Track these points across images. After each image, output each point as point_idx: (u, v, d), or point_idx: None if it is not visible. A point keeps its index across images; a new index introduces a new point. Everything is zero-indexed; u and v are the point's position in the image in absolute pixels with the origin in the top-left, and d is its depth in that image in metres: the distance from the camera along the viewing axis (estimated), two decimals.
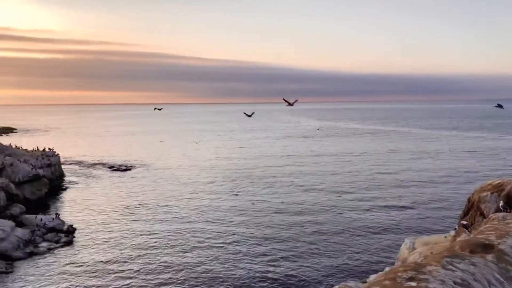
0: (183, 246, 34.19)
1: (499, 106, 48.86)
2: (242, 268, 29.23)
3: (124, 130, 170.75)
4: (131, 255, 32.39)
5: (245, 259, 30.94)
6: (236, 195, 51.75)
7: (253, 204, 47.15)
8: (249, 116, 47.16)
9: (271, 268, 29.24)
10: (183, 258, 31.69)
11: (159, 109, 69.66)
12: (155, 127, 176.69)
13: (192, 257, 31.71)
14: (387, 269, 12.07)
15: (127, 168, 73.41)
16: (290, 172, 66.19)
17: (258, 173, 65.86)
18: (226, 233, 36.93)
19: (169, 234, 37.46)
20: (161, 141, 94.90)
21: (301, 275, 28.15)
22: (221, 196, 50.77)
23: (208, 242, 35.08)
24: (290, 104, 37.60)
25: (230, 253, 32.17)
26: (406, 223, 39.16)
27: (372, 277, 10.84)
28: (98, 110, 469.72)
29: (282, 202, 47.38)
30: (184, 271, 29.15)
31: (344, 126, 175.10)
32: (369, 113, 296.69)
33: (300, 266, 29.71)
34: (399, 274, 7.50)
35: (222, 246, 33.55)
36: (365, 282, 11.26)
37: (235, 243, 34.35)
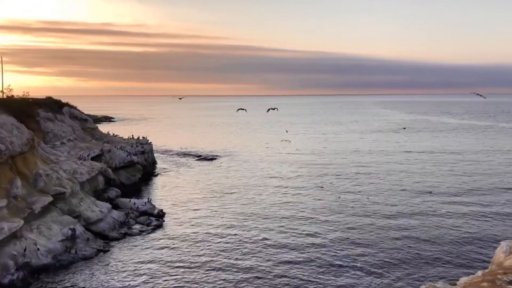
0: (267, 240, 34.71)
1: None
2: (325, 274, 29.09)
3: (212, 121, 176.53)
4: (216, 242, 33.50)
5: (330, 262, 30.72)
6: (321, 189, 51.44)
7: (339, 197, 46.64)
8: (273, 109, 44.62)
9: (357, 274, 28.80)
10: (267, 252, 32.18)
11: (243, 109, 67.45)
12: (242, 119, 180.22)
13: (276, 253, 32.09)
14: (479, 273, 11.42)
15: (213, 158, 75.93)
16: (378, 169, 64.39)
17: (344, 169, 64.86)
18: (310, 231, 36.87)
19: (255, 227, 38.17)
20: (249, 133, 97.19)
21: (385, 273, 27.42)
22: (305, 191, 50.73)
23: (292, 239, 35.29)
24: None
25: (316, 257, 32.13)
26: (500, 227, 36.54)
27: (464, 280, 10.30)
28: (191, 101, 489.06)
29: (367, 198, 46.31)
30: (267, 264, 29.62)
31: (437, 120, 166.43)
32: (466, 106, 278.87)
33: (384, 264, 28.95)
34: (499, 276, 7.07)
35: (308, 247, 33.47)
36: (455, 284, 10.70)
37: (319, 245, 34.21)
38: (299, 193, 49.36)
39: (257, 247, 32.51)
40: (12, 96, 63.31)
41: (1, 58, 68.94)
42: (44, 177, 35.47)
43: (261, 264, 29.16)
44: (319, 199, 46.35)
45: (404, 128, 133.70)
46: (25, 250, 27.57)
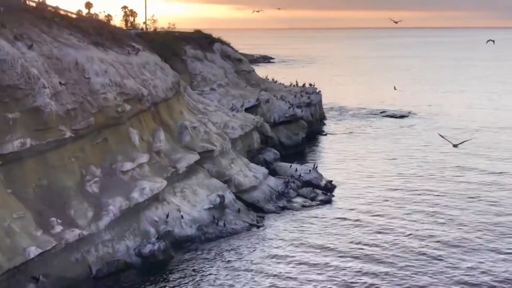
0: (464, 226, 33.33)
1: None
2: None
3: (407, 64, 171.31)
4: (402, 232, 33.13)
5: None
6: None
7: None
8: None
9: None
10: (460, 243, 30.94)
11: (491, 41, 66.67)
12: (453, 64, 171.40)
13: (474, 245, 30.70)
14: None
15: (402, 115, 74.24)
16: None
17: None
18: None
19: (447, 206, 37.26)
20: (394, 87, 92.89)
21: None
22: None
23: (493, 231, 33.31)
24: None
25: None
26: None
27: None
28: (378, 36, 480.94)
29: None
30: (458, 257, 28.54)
31: None
32: None
33: None
34: None
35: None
36: None
37: None
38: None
39: (449, 243, 31.37)
40: (156, 28, 69.40)
41: None
42: (190, 130, 38.60)
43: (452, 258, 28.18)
44: None
45: None
46: (167, 216, 30.72)
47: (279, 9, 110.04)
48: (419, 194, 40.37)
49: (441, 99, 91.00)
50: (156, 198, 31.17)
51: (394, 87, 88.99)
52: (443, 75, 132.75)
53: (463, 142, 42.33)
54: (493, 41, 68.11)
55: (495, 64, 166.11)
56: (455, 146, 41.09)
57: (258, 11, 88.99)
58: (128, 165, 31.08)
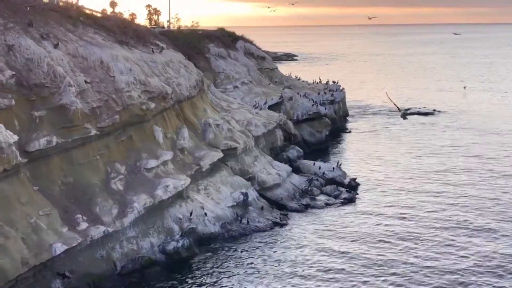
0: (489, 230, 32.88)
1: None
2: None
3: (427, 60, 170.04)
4: (429, 233, 32.78)
5: None
6: None
7: None
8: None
9: None
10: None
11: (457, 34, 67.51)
12: (478, 62, 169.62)
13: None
14: None
15: (428, 113, 73.53)
16: None
17: None
18: None
19: (471, 207, 36.75)
20: (464, 87, 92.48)
21: None
22: None
23: None
24: None
25: None
26: None
27: None
28: (401, 33, 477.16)
29: None
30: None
31: None
32: None
33: None
34: None
35: None
36: None
37: None
38: None
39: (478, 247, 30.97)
40: (180, 27, 69.78)
41: None
42: (213, 127, 38.75)
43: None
44: None
45: None
46: (191, 214, 30.84)
47: (293, 4, 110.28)
48: (443, 194, 39.94)
49: (467, 97, 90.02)
50: (180, 196, 31.31)
51: (464, 87, 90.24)
52: (469, 72, 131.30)
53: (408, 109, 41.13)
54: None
55: None
56: (403, 116, 40.34)
57: (274, 10, 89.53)
58: (152, 163, 31.28)
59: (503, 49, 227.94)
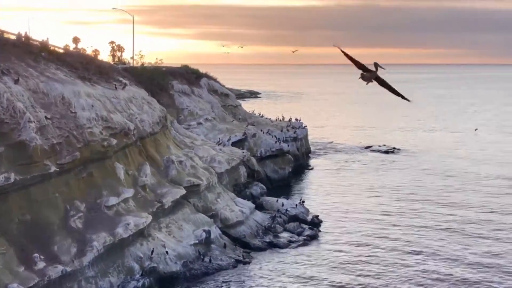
0: (453, 265, 33.18)
1: None
2: None
3: (388, 99, 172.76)
4: (389, 266, 32.95)
5: None
6: None
7: None
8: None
9: None
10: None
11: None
12: (436, 101, 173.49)
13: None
14: None
15: (388, 151, 74.50)
16: None
17: None
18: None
19: (435, 243, 36.97)
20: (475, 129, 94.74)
21: None
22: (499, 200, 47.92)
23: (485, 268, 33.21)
24: None
25: None
26: None
27: None
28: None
29: None
30: None
31: None
32: None
33: None
34: None
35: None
36: None
37: None
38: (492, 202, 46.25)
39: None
40: (143, 63, 69.68)
41: (133, 18, 76.05)
42: (176, 164, 38.40)
43: None
44: None
45: None
46: (152, 252, 30.25)
47: (293, 52, 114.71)
48: (404, 229, 40.27)
49: (426, 135, 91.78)
50: (141, 234, 30.73)
51: (475, 129, 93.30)
52: (428, 112, 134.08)
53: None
54: None
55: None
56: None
57: (228, 52, 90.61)
58: (113, 200, 30.71)
59: (461, 89, 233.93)
